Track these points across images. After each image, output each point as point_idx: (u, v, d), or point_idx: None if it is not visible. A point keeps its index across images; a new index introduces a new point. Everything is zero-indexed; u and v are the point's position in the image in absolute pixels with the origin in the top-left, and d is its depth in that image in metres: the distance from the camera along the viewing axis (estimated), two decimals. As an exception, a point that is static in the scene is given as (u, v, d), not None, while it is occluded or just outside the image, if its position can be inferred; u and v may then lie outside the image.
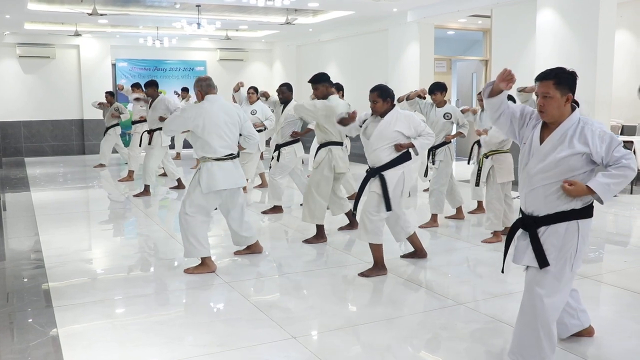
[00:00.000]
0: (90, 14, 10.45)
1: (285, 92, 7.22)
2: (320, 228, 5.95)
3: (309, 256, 5.56)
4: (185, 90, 13.05)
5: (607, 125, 8.28)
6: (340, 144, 5.98)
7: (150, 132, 8.94)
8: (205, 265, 4.95)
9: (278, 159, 7.19)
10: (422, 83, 10.79)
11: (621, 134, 9.99)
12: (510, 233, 3.15)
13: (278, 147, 7.20)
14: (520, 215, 3.13)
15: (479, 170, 5.93)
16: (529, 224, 3.01)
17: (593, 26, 7.88)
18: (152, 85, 8.88)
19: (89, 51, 15.06)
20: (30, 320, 3.93)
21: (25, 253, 5.70)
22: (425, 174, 6.93)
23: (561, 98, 2.91)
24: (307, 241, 5.94)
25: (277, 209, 7.41)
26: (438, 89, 6.72)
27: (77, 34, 13.67)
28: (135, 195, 8.77)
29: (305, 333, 3.69)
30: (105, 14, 11.15)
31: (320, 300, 4.39)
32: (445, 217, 6.95)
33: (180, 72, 16.21)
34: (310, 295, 4.52)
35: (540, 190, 2.97)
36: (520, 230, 3.10)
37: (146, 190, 8.82)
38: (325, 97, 5.81)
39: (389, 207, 4.77)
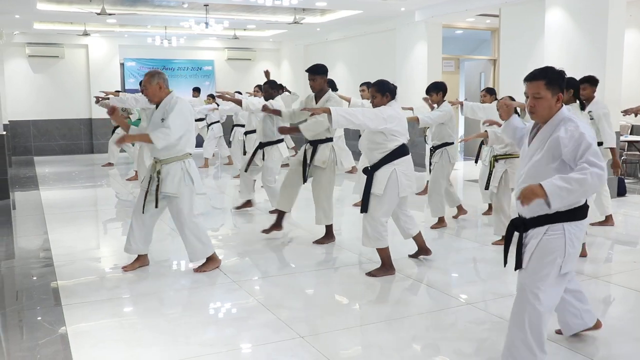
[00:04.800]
0: (98, 14, 10.50)
1: (268, 91, 7.16)
2: (329, 228, 5.93)
3: (316, 255, 5.56)
4: (196, 90, 13.05)
5: (616, 125, 8.24)
6: (331, 139, 5.86)
7: None
8: (214, 260, 4.99)
9: (263, 158, 7.06)
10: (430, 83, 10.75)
11: (630, 133, 9.94)
12: (508, 231, 3.11)
13: (262, 146, 7.09)
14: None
15: (490, 172, 5.82)
16: (518, 225, 2.99)
17: (602, 25, 7.84)
18: None
19: (97, 51, 15.12)
20: (39, 318, 3.96)
21: (35, 252, 5.74)
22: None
23: (552, 98, 2.88)
24: (318, 242, 5.89)
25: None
26: (434, 89, 6.65)
27: (85, 34, 13.74)
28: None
29: (313, 332, 3.69)
30: (114, 14, 11.19)
31: (328, 299, 4.40)
32: (453, 217, 6.93)
33: (188, 72, 16.25)
34: (318, 295, 4.52)
35: None
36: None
37: None
38: (322, 90, 5.66)
39: (364, 208, 4.70)
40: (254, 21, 13.00)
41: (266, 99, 7.16)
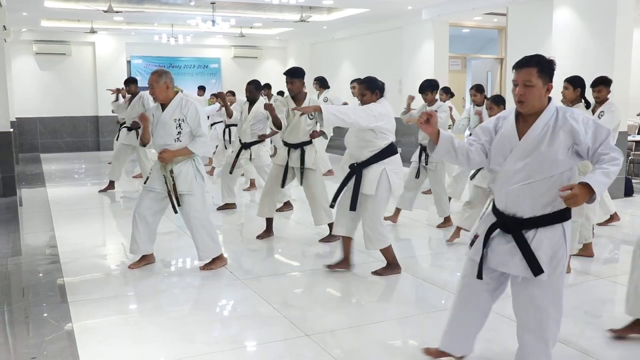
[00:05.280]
0: (105, 11, 10.53)
1: (253, 91, 7.19)
2: (332, 226, 5.91)
3: (322, 254, 5.55)
4: (201, 88, 13.06)
5: (624, 124, 8.20)
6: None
7: (131, 130, 8.98)
8: (221, 259, 5.00)
9: (251, 159, 7.29)
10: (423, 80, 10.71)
11: (638, 133, 9.90)
12: (486, 236, 2.90)
13: (247, 146, 7.22)
14: (495, 217, 2.89)
15: None
16: (512, 226, 2.80)
17: (610, 24, 7.81)
18: (132, 82, 8.91)
19: (104, 48, 15.17)
20: (45, 315, 3.97)
21: (41, 248, 5.76)
22: (417, 175, 6.64)
23: (543, 87, 2.72)
24: (324, 240, 5.88)
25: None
26: (429, 87, 6.56)
27: (92, 31, 13.79)
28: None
29: (319, 331, 3.69)
30: (121, 11, 11.22)
31: (334, 298, 4.39)
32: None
33: (194, 69, 16.29)
34: (323, 293, 4.51)
35: (525, 190, 2.73)
36: (496, 232, 2.88)
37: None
38: (300, 92, 5.61)
39: (353, 206, 4.62)
40: (260, 19, 13.01)
41: (249, 100, 7.24)
